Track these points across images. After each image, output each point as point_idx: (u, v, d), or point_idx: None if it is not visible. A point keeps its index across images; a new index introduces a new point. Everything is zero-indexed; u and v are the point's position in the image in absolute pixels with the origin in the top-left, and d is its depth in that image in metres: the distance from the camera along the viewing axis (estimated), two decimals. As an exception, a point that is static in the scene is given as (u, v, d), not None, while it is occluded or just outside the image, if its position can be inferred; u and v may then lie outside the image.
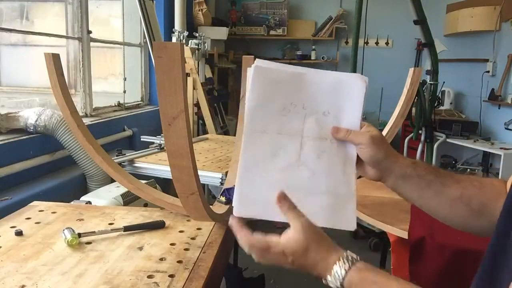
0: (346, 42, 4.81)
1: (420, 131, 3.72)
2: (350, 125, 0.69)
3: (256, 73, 0.67)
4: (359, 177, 1.22)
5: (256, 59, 0.71)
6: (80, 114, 2.44)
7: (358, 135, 0.68)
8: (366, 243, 3.17)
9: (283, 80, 0.69)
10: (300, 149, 0.68)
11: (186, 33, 3.36)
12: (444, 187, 0.70)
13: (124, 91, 3.38)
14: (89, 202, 1.47)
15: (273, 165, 0.66)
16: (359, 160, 0.71)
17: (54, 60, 1.04)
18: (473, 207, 0.70)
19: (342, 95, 0.70)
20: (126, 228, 1.05)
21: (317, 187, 0.67)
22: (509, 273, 0.52)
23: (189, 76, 3.18)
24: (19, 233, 1.01)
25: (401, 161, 0.69)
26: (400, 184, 0.71)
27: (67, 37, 2.78)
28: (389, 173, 0.70)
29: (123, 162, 2.11)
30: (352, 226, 0.67)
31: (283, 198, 0.63)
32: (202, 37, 3.56)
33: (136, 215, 1.17)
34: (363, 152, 0.68)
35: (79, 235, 0.99)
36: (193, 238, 1.04)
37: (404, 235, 1.39)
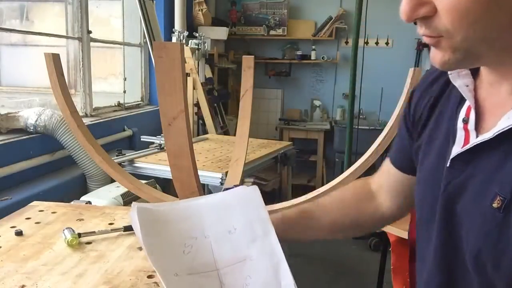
0: (346, 42, 4.81)
1: (420, 131, 3.71)
2: (264, 232, 0.63)
3: (140, 215, 0.60)
4: (359, 177, 1.22)
5: (133, 202, 0.65)
6: (80, 114, 2.44)
7: None
8: (366, 243, 3.18)
9: (169, 218, 0.63)
10: (221, 285, 0.58)
11: (186, 33, 3.36)
12: (319, 221, 0.78)
13: (124, 91, 3.38)
14: (89, 202, 1.47)
15: None
16: None
17: (54, 60, 1.04)
18: (349, 225, 0.80)
19: (241, 206, 0.64)
20: (126, 228, 1.05)
21: None
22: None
23: (189, 76, 3.18)
24: (19, 233, 1.01)
25: (280, 226, 0.71)
26: (284, 238, 0.70)
27: (67, 37, 2.78)
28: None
29: (123, 162, 2.12)
30: None
31: None
32: (202, 37, 3.56)
33: (136, 215, 1.17)
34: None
35: (79, 235, 0.99)
36: (193, 238, 1.04)
37: (404, 235, 1.39)
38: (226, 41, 4.59)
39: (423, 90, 0.65)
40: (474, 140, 0.52)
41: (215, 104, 3.84)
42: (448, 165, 0.55)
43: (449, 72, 0.57)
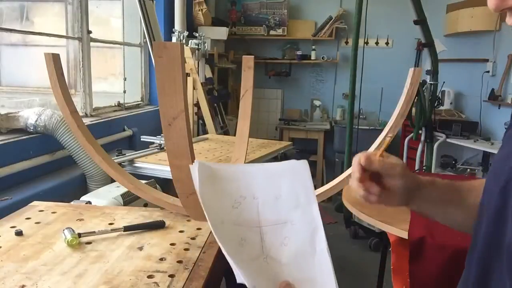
0: (346, 42, 4.81)
1: (420, 131, 3.72)
2: (307, 202, 0.68)
3: (200, 169, 0.66)
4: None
5: (195, 160, 0.71)
6: (80, 114, 2.44)
7: (392, 166, 0.67)
8: (366, 243, 3.18)
9: (226, 177, 0.69)
10: (261, 240, 0.65)
11: (186, 33, 3.36)
12: (464, 200, 0.72)
13: (124, 91, 3.38)
14: (89, 202, 1.47)
15: (244, 255, 0.63)
16: (385, 191, 0.69)
17: (54, 60, 1.04)
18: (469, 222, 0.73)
19: (289, 177, 0.70)
20: (126, 228, 1.05)
21: (290, 276, 0.63)
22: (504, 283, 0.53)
23: (189, 76, 3.18)
24: (19, 233, 1.01)
25: (424, 185, 0.69)
26: (425, 207, 0.72)
27: (67, 37, 2.78)
28: (415, 199, 0.70)
29: (123, 162, 2.11)
30: None
31: (287, 285, 0.62)
32: (202, 37, 3.56)
33: (136, 215, 1.17)
34: (396, 183, 0.67)
35: (79, 235, 0.99)
36: (193, 238, 1.04)
37: (404, 235, 1.39)
38: (226, 41, 4.59)
39: None
40: None
41: (215, 104, 3.84)
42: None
43: None
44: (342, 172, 1.43)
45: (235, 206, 0.67)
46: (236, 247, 0.63)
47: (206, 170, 0.68)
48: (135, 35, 3.65)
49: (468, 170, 3.96)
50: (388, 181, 0.68)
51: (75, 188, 2.29)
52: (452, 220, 0.74)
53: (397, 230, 1.42)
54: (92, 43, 2.88)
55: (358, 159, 0.68)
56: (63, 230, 0.99)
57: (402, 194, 0.69)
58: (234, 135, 2.00)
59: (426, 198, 0.70)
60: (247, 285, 0.58)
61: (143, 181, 1.47)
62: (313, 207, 0.68)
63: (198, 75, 3.36)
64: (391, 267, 1.51)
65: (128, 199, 2.00)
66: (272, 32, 4.81)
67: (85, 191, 2.31)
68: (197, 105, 3.33)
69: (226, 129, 3.97)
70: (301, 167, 0.71)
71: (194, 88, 3.25)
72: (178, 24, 3.64)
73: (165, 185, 2.38)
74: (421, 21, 3.29)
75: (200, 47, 3.46)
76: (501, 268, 0.54)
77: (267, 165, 0.74)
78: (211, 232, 1.08)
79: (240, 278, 0.58)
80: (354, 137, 3.37)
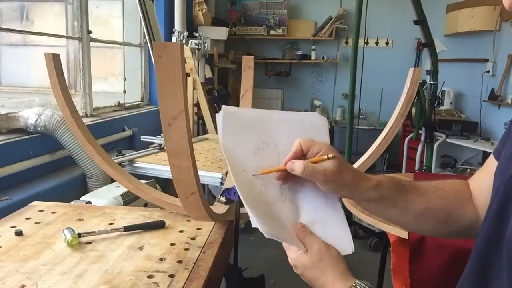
0: (346, 42, 4.81)
1: (420, 131, 3.72)
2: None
3: (225, 117, 0.69)
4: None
5: (223, 106, 0.73)
6: (80, 114, 2.44)
7: (314, 173, 0.65)
8: (366, 243, 3.17)
9: (251, 122, 0.71)
10: (281, 185, 0.69)
11: (186, 33, 3.36)
12: (408, 203, 0.71)
13: (124, 91, 3.38)
14: (89, 202, 1.47)
15: (263, 201, 0.67)
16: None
17: (54, 60, 1.04)
18: (439, 218, 0.72)
19: (309, 130, 0.73)
20: (126, 228, 1.05)
21: (305, 219, 0.69)
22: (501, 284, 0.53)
23: (189, 76, 3.18)
24: (19, 233, 1.01)
25: (363, 186, 0.68)
26: (365, 205, 0.72)
27: (67, 37, 2.78)
28: (351, 197, 0.70)
29: (123, 162, 2.11)
30: (349, 250, 0.68)
31: (302, 227, 0.67)
32: (202, 37, 3.56)
33: (136, 215, 1.17)
34: (322, 188, 0.67)
35: (79, 235, 0.99)
36: (193, 238, 1.04)
37: (404, 235, 1.39)
38: (226, 41, 4.59)
39: None
40: None
41: (215, 104, 3.84)
42: None
43: None
44: (342, 172, 1.42)
45: (258, 152, 0.70)
46: (255, 195, 0.67)
47: (232, 117, 0.70)
48: (135, 35, 3.65)
49: (468, 170, 3.96)
50: (317, 183, 0.67)
51: (75, 188, 2.29)
52: (393, 220, 0.75)
53: (397, 230, 1.42)
54: (92, 43, 2.88)
55: (295, 148, 0.67)
56: (63, 230, 0.99)
57: (330, 193, 0.69)
58: (234, 135, 1.99)
59: (364, 199, 0.69)
60: (261, 231, 0.61)
61: (143, 181, 1.47)
62: None
63: (198, 75, 3.36)
64: (391, 267, 1.51)
65: (128, 199, 2.00)
66: (272, 32, 4.81)
67: (85, 191, 2.31)
68: (197, 105, 3.33)
69: (226, 129, 3.97)
70: (321, 121, 0.75)
71: (194, 88, 3.25)
72: (178, 24, 3.64)
73: (165, 185, 2.38)
74: (421, 21, 3.29)
75: (200, 47, 3.46)
76: (500, 263, 0.54)
77: (290, 114, 0.76)
78: (211, 232, 1.08)
79: (255, 223, 0.61)
80: (354, 137, 3.36)
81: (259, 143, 0.70)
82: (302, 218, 0.69)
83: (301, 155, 0.67)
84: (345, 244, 0.67)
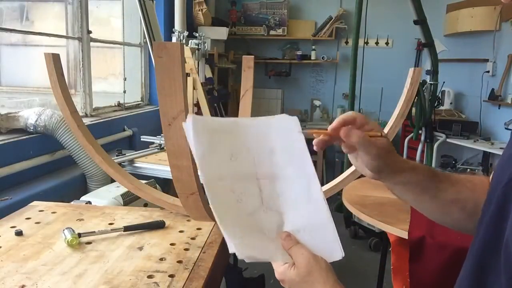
0: (346, 42, 4.81)
1: (420, 131, 3.72)
2: (300, 154, 0.68)
3: (194, 124, 0.66)
4: (359, 177, 1.22)
5: (190, 114, 0.71)
6: (80, 114, 2.44)
7: (369, 145, 0.65)
8: (366, 243, 3.18)
9: (221, 129, 0.69)
10: (260, 192, 0.67)
11: (186, 33, 3.36)
12: (439, 191, 0.71)
13: (124, 91, 3.38)
14: (89, 202, 1.47)
15: (241, 212, 0.64)
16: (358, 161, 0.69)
17: (54, 60, 1.04)
18: (467, 209, 0.72)
19: (282, 132, 0.70)
20: (126, 228, 1.05)
21: (289, 227, 0.66)
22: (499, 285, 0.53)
23: (189, 76, 3.18)
24: (19, 233, 1.01)
25: (403, 168, 0.69)
26: (397, 188, 0.72)
27: (67, 37, 2.78)
28: (388, 179, 0.70)
29: (123, 162, 2.11)
30: (339, 255, 0.65)
31: (287, 236, 0.65)
32: (202, 37, 3.56)
33: (136, 215, 1.17)
34: (368, 163, 0.67)
35: (79, 235, 0.99)
36: (193, 238, 1.04)
37: (404, 235, 1.39)
38: (226, 41, 4.59)
39: None
40: None
41: (215, 104, 3.84)
42: None
43: None
44: (342, 172, 1.42)
45: (233, 159, 0.67)
46: (233, 205, 0.64)
47: (201, 123, 0.67)
48: (135, 35, 3.65)
49: (468, 170, 3.96)
50: (361, 154, 0.67)
51: (75, 188, 2.29)
52: (421, 206, 0.74)
53: (397, 230, 1.42)
54: (92, 43, 2.88)
55: (346, 117, 0.66)
56: (63, 230, 0.99)
57: (372, 170, 0.68)
58: (234, 135, 1.99)
59: (400, 181, 0.70)
60: (240, 257, 0.59)
61: (143, 181, 1.47)
62: (306, 161, 0.67)
63: (198, 75, 3.36)
64: (391, 267, 1.51)
65: (128, 199, 2.00)
66: (272, 32, 4.81)
67: (85, 191, 2.31)
68: (197, 105, 3.33)
69: (226, 129, 3.96)
70: (292, 122, 0.71)
71: (194, 88, 3.25)
72: (178, 24, 3.64)
73: (165, 185, 2.38)
74: (421, 21, 3.29)
75: (200, 47, 3.46)
76: (498, 267, 0.53)
77: (259, 119, 0.73)
78: (211, 232, 1.08)
79: (232, 249, 0.59)
80: (354, 137, 3.36)
81: (232, 150, 0.68)
82: (286, 225, 0.66)
83: (350, 126, 0.66)
84: (334, 249, 0.64)
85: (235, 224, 0.62)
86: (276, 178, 0.68)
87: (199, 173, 0.65)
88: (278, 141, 0.69)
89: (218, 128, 0.68)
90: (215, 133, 0.67)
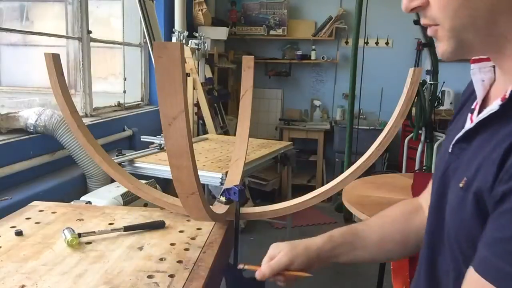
0: (346, 42, 4.81)
1: (420, 131, 3.72)
2: None
3: None
4: (359, 177, 1.21)
5: None
6: (80, 114, 2.44)
7: (279, 264, 0.75)
8: (366, 243, 3.18)
9: None
10: None
11: (186, 33, 3.36)
12: (365, 240, 0.79)
13: (124, 91, 3.38)
14: (89, 202, 1.47)
15: None
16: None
17: (54, 60, 1.04)
18: (398, 241, 0.80)
19: None
20: (126, 228, 1.05)
21: None
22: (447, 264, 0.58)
23: (189, 76, 3.18)
24: (19, 233, 1.01)
25: (319, 249, 0.76)
26: (333, 260, 0.80)
27: (67, 37, 2.78)
28: (322, 263, 0.78)
29: (123, 162, 2.11)
30: None
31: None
32: (202, 37, 3.56)
33: (136, 215, 1.17)
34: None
35: (79, 235, 0.99)
36: (193, 238, 1.04)
37: (404, 235, 1.39)
38: (226, 41, 4.59)
39: (466, 91, 0.70)
40: (466, 128, 0.57)
41: (215, 104, 3.84)
42: (449, 151, 0.60)
43: (471, 67, 0.60)
44: (342, 172, 1.43)
45: None
46: None
47: None
48: (135, 35, 3.65)
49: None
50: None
51: (75, 188, 2.29)
52: (362, 260, 0.81)
53: (397, 230, 1.42)
54: (92, 43, 2.88)
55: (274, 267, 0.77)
56: (63, 230, 0.99)
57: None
58: (234, 135, 2.00)
59: (328, 257, 0.77)
60: None
61: (143, 181, 1.47)
62: None
63: (198, 75, 3.36)
64: (391, 267, 1.51)
65: (128, 199, 2.00)
66: (272, 32, 4.81)
67: (85, 191, 2.31)
68: (197, 105, 3.33)
69: (226, 129, 3.97)
70: None
71: (194, 88, 3.25)
72: (178, 24, 3.64)
73: (165, 185, 2.38)
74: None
75: (200, 47, 3.46)
76: (445, 251, 0.58)
77: None
78: (211, 232, 1.08)
79: None
80: (354, 137, 3.37)
81: None
82: None
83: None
84: None
85: None
86: None
87: None
88: None
89: None
90: None
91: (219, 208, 1.19)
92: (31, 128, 2.15)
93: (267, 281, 0.81)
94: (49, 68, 1.05)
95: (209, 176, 1.96)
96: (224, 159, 2.22)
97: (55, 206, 1.23)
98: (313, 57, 4.73)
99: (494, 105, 0.51)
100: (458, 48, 0.54)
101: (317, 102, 4.95)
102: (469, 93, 0.66)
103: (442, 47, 0.55)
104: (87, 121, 2.69)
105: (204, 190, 2.80)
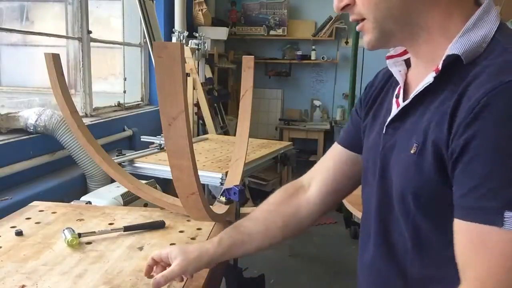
0: (346, 42, 4.81)
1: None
2: None
3: None
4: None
5: None
6: (80, 114, 2.44)
7: (172, 274, 0.76)
8: (366, 243, 3.18)
9: None
10: None
11: (186, 33, 3.36)
12: (251, 234, 0.82)
13: (124, 91, 3.38)
14: (89, 202, 1.47)
15: None
16: None
17: (54, 60, 1.04)
18: (279, 224, 0.84)
19: None
20: (126, 228, 1.05)
21: None
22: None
23: (189, 76, 3.18)
24: (19, 233, 1.01)
25: (212, 257, 0.78)
26: (225, 259, 0.83)
27: (67, 37, 2.78)
28: (212, 263, 0.80)
29: (123, 162, 2.12)
30: None
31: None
32: (202, 37, 3.56)
33: (136, 215, 1.17)
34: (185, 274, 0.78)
35: (79, 235, 0.99)
36: (193, 238, 1.04)
37: (404, 235, 1.39)
38: (226, 41, 4.59)
39: (374, 82, 0.79)
40: (401, 107, 0.64)
41: (215, 104, 3.84)
42: (384, 132, 0.67)
43: (387, 62, 0.70)
44: (342, 172, 1.42)
45: None
46: None
47: None
48: (135, 35, 3.65)
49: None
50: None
51: (75, 188, 2.29)
52: (253, 251, 0.84)
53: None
54: (92, 43, 2.88)
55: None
56: (63, 230, 0.99)
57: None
58: (234, 135, 2.00)
59: (222, 259, 0.81)
60: None
61: (143, 181, 1.47)
62: None
63: (198, 75, 3.36)
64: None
65: (128, 199, 2.00)
66: (272, 32, 4.81)
67: (85, 191, 2.31)
68: (197, 105, 3.33)
69: (226, 129, 3.97)
70: None
71: (194, 88, 3.25)
72: (178, 24, 3.64)
73: (165, 185, 2.38)
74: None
75: (200, 47, 3.46)
76: (396, 216, 0.63)
77: None
78: (211, 232, 1.08)
79: None
80: (354, 137, 3.36)
81: None
82: None
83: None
84: None
85: None
86: None
87: None
88: None
89: None
90: None
91: (219, 208, 1.19)
92: (31, 128, 2.15)
93: (267, 281, 0.81)
94: (49, 68, 1.05)
95: (209, 176, 1.96)
96: (224, 159, 2.22)
97: (55, 206, 1.23)
98: (313, 57, 4.73)
99: (428, 78, 0.58)
100: (381, 37, 0.62)
101: (317, 102, 4.95)
102: (380, 86, 0.75)
103: (367, 38, 0.63)
104: (87, 121, 2.69)
105: (204, 190, 2.80)
